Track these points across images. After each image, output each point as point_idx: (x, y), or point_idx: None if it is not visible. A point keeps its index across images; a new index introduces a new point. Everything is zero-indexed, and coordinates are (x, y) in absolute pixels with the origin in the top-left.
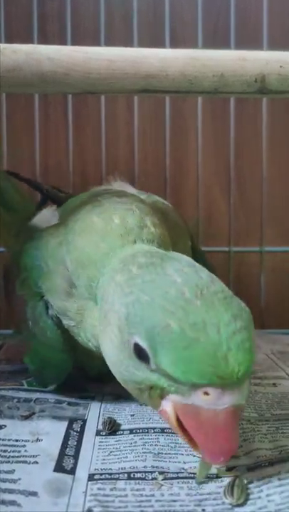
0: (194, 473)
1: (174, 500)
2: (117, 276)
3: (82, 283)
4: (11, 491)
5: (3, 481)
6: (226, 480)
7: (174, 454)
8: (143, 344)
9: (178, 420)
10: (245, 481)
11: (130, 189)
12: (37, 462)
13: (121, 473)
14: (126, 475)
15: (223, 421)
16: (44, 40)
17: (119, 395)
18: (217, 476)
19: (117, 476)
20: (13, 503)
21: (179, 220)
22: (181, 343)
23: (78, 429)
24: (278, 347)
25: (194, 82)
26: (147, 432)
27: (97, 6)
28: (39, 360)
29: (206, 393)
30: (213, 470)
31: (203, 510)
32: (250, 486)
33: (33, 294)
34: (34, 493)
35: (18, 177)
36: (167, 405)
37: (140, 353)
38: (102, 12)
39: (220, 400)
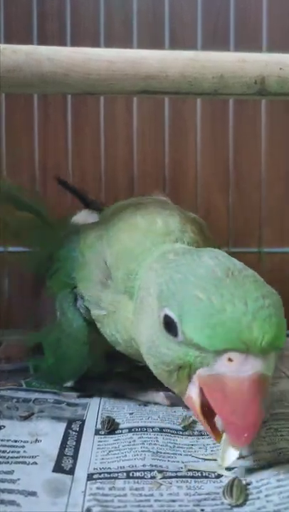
0: (193, 470)
1: (173, 500)
2: (154, 264)
3: (120, 275)
4: (10, 491)
5: (2, 481)
6: (225, 480)
7: (173, 453)
8: (172, 314)
9: (201, 408)
10: (244, 482)
11: (164, 199)
12: (36, 463)
13: (120, 472)
14: (125, 474)
15: (247, 389)
16: (43, 39)
17: (117, 392)
18: (217, 476)
19: (116, 475)
20: (12, 502)
21: (211, 237)
22: (207, 310)
23: (77, 429)
24: None
25: (194, 83)
26: (146, 431)
27: (97, 5)
28: (60, 352)
29: (230, 359)
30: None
31: (202, 510)
32: (249, 486)
33: (63, 285)
34: (33, 493)
35: (65, 185)
36: (193, 390)
37: (169, 325)
38: (102, 12)
39: (243, 366)
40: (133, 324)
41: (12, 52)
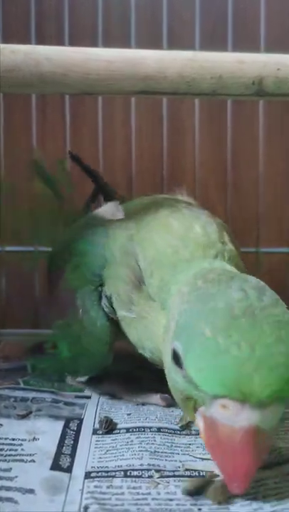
0: (191, 470)
1: (171, 499)
2: (184, 287)
3: (154, 283)
4: (7, 489)
5: (0, 478)
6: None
7: (170, 453)
8: (179, 348)
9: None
10: None
11: (192, 202)
12: (34, 461)
13: (117, 470)
14: (122, 473)
15: (239, 439)
16: (42, 39)
17: (114, 394)
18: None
19: (114, 473)
20: (9, 500)
21: (236, 242)
22: (210, 350)
23: (75, 428)
24: None
25: (192, 83)
26: (144, 431)
27: (95, 5)
28: (80, 348)
29: (225, 406)
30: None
31: (200, 509)
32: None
33: (85, 282)
34: (31, 491)
35: (79, 162)
36: (199, 421)
37: (176, 358)
38: (100, 11)
39: (238, 416)
40: (163, 339)
41: (11, 52)
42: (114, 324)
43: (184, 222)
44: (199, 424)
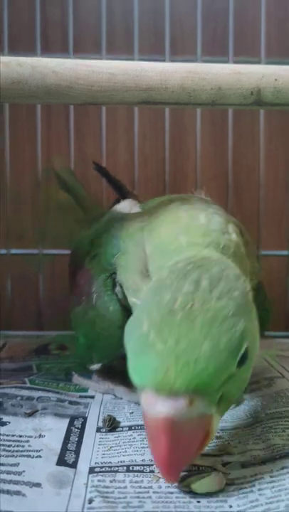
0: (191, 465)
1: (171, 493)
2: (156, 275)
3: (153, 269)
4: (16, 482)
5: (8, 473)
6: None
7: None
8: (126, 338)
9: None
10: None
11: (207, 198)
12: (40, 456)
13: (120, 466)
14: (125, 468)
15: (156, 428)
16: (46, 46)
17: (114, 395)
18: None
19: (117, 468)
20: (18, 493)
21: (251, 242)
22: (141, 343)
23: (79, 426)
24: (275, 350)
25: (193, 94)
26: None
27: (99, 14)
28: (94, 333)
29: (146, 397)
30: None
31: (198, 502)
32: (243, 481)
33: (101, 270)
34: (38, 485)
35: (104, 173)
36: None
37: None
38: (104, 20)
39: (154, 406)
40: None
41: (17, 64)
42: (128, 311)
43: (191, 214)
44: None
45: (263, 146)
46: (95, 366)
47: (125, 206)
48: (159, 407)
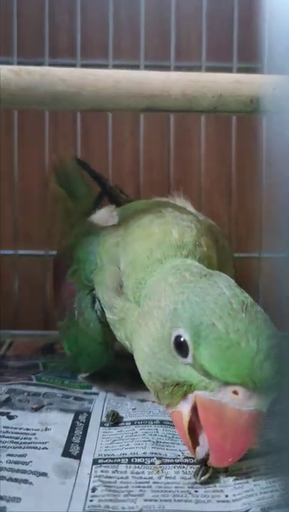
0: (190, 457)
1: (170, 483)
2: (170, 278)
3: (130, 284)
4: (23, 472)
5: (16, 462)
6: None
7: (172, 443)
8: (186, 337)
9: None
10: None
11: (190, 208)
12: (46, 448)
13: (122, 458)
14: (127, 460)
15: (246, 421)
16: (54, 51)
17: (117, 392)
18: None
19: (119, 460)
20: (25, 481)
21: (227, 246)
22: (224, 343)
23: (84, 421)
24: None
25: (194, 102)
26: (147, 424)
27: (106, 19)
28: (77, 347)
29: (236, 392)
30: None
31: (196, 491)
32: (239, 472)
33: (82, 286)
34: (44, 474)
35: (86, 168)
36: (185, 407)
37: (180, 346)
38: (111, 26)
39: (247, 401)
40: (135, 329)
41: (27, 73)
42: (107, 326)
43: (163, 229)
44: (184, 410)
45: (266, 150)
46: (83, 375)
47: (102, 217)
48: (254, 403)
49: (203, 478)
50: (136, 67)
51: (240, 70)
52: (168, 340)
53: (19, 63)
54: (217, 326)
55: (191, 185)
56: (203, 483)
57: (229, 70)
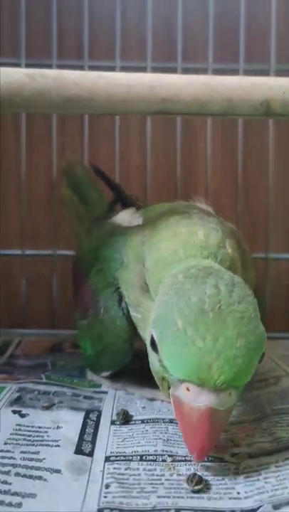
0: None
1: (182, 480)
2: (168, 280)
3: (153, 283)
4: (37, 468)
5: (30, 460)
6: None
7: (182, 441)
8: (155, 336)
9: None
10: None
11: (209, 210)
12: (59, 445)
13: (134, 455)
14: (138, 457)
15: (197, 418)
16: (62, 53)
17: (127, 390)
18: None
19: (131, 457)
20: (40, 478)
21: (248, 250)
22: (180, 341)
23: (94, 419)
24: (281, 351)
25: (205, 106)
26: (157, 422)
27: (113, 22)
28: (101, 345)
29: (188, 389)
30: None
31: (208, 488)
32: (250, 470)
33: (107, 285)
34: (58, 471)
35: (102, 176)
36: (171, 397)
37: (153, 344)
38: (118, 27)
39: (197, 398)
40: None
41: (40, 76)
42: (133, 324)
43: (190, 229)
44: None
45: (273, 150)
46: (104, 374)
47: (125, 218)
48: (203, 399)
49: (196, 487)
50: (143, 68)
51: (246, 72)
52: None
53: (27, 65)
54: (178, 325)
55: (197, 185)
56: (196, 491)
57: (236, 71)
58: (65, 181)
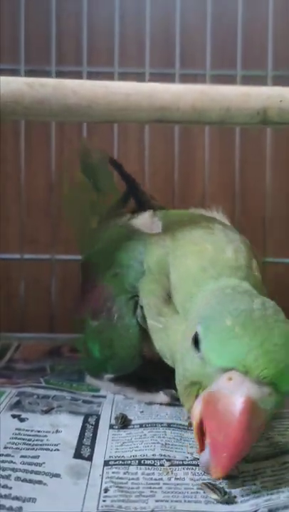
0: (198, 459)
1: (180, 484)
2: (211, 293)
3: (180, 297)
4: (37, 473)
5: (30, 464)
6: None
7: (180, 445)
8: (199, 330)
9: (200, 425)
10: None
11: (227, 223)
12: (58, 450)
13: (132, 459)
14: (137, 461)
15: (236, 409)
16: (60, 59)
17: (126, 395)
18: None
19: (129, 462)
20: (39, 482)
21: (260, 263)
22: (226, 334)
23: (93, 423)
24: None
25: (203, 114)
26: (156, 426)
27: (112, 27)
28: (111, 351)
29: (230, 378)
30: None
31: (205, 492)
32: (247, 474)
33: (123, 291)
34: (57, 475)
35: (119, 169)
36: (197, 407)
37: (196, 340)
38: (117, 33)
39: (239, 387)
40: (178, 339)
41: (40, 85)
42: (144, 332)
43: (216, 246)
44: (196, 409)
45: (270, 156)
46: (109, 376)
47: (144, 222)
48: (246, 388)
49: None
50: (141, 74)
51: (244, 78)
52: (191, 339)
53: (26, 71)
54: (226, 321)
55: (195, 190)
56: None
57: (233, 77)
58: (80, 166)
